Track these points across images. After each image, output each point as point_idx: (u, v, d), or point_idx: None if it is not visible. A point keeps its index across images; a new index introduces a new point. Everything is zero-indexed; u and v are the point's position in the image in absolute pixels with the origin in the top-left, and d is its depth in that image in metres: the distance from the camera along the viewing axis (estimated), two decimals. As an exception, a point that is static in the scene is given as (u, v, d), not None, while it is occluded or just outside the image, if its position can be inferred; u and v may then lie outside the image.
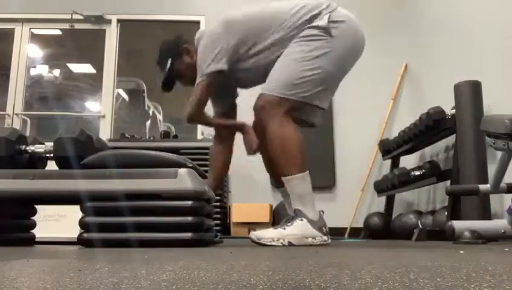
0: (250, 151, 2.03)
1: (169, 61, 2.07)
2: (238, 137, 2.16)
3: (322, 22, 1.90)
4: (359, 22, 2.07)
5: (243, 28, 1.97)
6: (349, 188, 4.30)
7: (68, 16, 4.75)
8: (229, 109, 2.23)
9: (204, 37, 2.00)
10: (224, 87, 2.11)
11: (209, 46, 1.95)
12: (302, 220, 1.83)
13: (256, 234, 1.83)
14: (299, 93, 1.88)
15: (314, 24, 1.91)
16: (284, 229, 1.83)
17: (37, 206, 2.03)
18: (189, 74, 2.06)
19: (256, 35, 1.96)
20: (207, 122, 2.19)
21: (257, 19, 2.00)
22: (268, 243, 1.80)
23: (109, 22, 4.86)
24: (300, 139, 1.90)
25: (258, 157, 2.19)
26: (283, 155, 1.88)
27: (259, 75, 1.99)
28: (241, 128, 2.07)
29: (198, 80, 1.96)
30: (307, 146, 1.92)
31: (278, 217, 3.94)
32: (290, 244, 1.80)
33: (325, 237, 1.85)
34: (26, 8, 4.81)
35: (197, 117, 2.05)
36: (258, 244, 1.81)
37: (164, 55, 2.10)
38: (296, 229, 1.81)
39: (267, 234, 1.83)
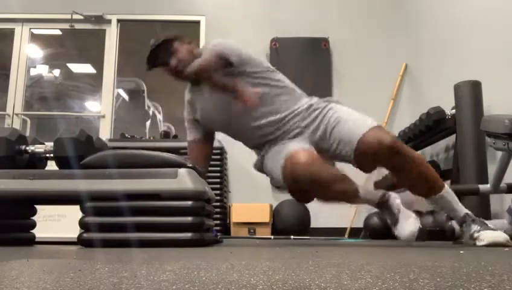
0: (253, 100, 1.92)
1: (169, 38, 2.02)
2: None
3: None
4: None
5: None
6: (349, 188, 4.30)
7: (68, 16, 4.75)
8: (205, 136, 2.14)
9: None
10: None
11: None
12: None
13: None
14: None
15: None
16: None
17: (37, 206, 2.03)
18: (184, 57, 1.97)
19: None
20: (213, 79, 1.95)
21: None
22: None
23: (109, 22, 4.86)
24: None
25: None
26: (432, 175, 1.86)
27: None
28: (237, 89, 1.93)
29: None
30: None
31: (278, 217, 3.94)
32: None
33: None
34: (26, 8, 4.81)
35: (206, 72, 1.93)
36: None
37: (166, 38, 2.05)
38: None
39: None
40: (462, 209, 1.86)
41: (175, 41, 2.01)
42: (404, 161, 1.78)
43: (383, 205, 2.01)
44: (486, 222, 1.83)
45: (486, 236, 1.74)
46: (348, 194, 1.87)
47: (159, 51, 2.00)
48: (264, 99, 1.94)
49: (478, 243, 1.75)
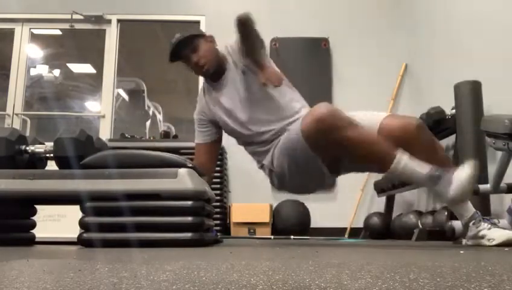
0: (277, 81, 1.94)
1: (193, 35, 2.08)
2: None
3: None
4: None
5: None
6: (349, 188, 4.30)
7: (68, 16, 4.75)
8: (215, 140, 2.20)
9: None
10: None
11: None
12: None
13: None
14: None
15: None
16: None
17: (37, 206, 2.03)
18: (205, 54, 2.05)
19: None
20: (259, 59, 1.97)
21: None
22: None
23: (109, 22, 4.86)
24: None
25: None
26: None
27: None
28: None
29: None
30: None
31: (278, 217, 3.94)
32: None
33: None
34: (26, 8, 4.81)
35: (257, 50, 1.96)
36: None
37: (191, 34, 2.09)
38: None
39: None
40: (471, 207, 1.83)
41: (198, 38, 2.08)
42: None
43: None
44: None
45: (497, 235, 1.72)
46: (376, 146, 1.70)
47: (182, 46, 2.05)
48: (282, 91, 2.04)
49: (488, 243, 1.72)
